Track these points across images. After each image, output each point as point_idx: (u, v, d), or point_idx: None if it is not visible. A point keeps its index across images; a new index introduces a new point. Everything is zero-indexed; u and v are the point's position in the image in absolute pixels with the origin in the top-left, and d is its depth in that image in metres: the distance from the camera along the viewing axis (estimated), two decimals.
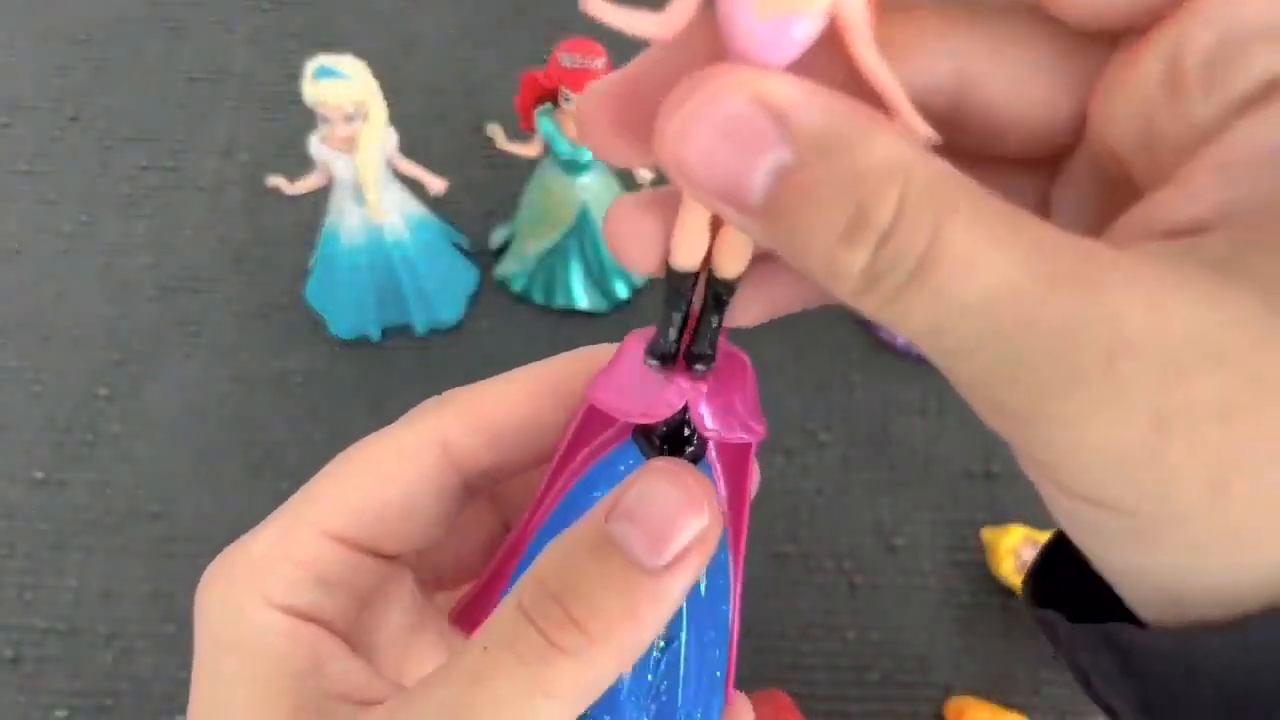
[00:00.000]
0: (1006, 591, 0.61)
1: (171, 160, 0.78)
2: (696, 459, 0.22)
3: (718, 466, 0.23)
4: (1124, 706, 0.18)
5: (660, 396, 0.21)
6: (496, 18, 0.85)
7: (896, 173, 0.15)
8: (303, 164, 0.64)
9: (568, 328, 0.71)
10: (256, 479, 0.65)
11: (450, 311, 0.71)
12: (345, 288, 0.68)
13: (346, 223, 0.65)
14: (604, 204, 0.68)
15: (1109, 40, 0.17)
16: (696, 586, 0.21)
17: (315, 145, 0.62)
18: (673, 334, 0.20)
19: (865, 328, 0.70)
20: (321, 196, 0.66)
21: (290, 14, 0.85)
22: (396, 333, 0.71)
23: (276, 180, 0.65)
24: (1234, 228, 0.15)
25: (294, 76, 0.60)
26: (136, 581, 0.62)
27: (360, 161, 0.62)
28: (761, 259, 0.19)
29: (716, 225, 0.18)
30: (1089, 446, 0.14)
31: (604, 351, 0.23)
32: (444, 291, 0.70)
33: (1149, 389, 0.14)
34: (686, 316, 0.20)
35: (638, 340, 0.21)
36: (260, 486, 0.65)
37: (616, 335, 0.22)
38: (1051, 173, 0.19)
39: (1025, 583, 0.20)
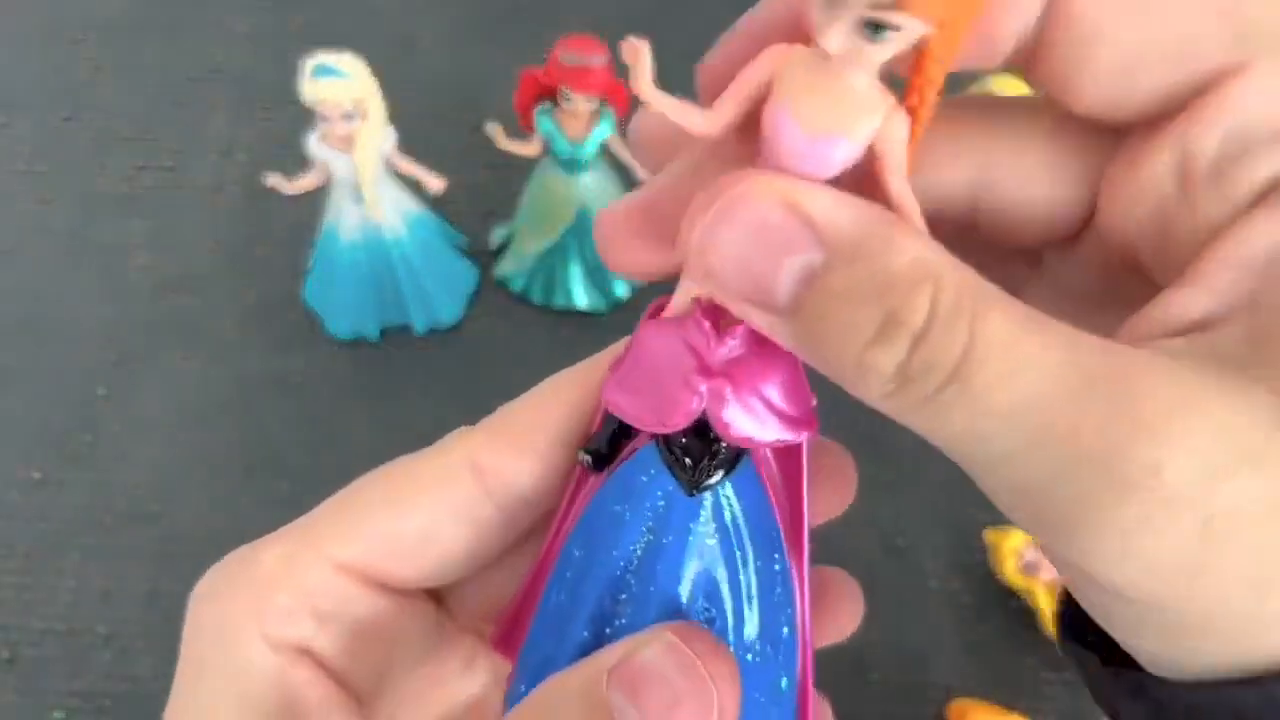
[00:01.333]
0: (1009, 592, 0.61)
1: (169, 160, 0.77)
2: (729, 466, 0.19)
3: (771, 462, 0.20)
4: None
5: (676, 402, 0.18)
6: (496, 16, 0.85)
7: (927, 276, 0.15)
8: (301, 163, 0.64)
9: (567, 328, 0.71)
10: (255, 479, 0.64)
11: (449, 311, 0.70)
12: (344, 287, 0.67)
13: (345, 222, 0.65)
14: (604, 203, 0.68)
15: (1114, 131, 0.17)
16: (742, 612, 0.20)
17: (313, 144, 0.62)
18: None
19: None
20: (320, 196, 0.65)
21: (289, 13, 0.85)
22: (395, 333, 0.70)
23: (274, 179, 0.65)
24: (1246, 323, 0.15)
25: (292, 75, 0.60)
26: (135, 582, 0.61)
27: (359, 160, 0.61)
28: None
29: None
30: (1137, 555, 0.14)
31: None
32: (443, 291, 0.70)
33: (1196, 497, 0.14)
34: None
35: (651, 328, 0.19)
36: (259, 486, 0.64)
37: (616, 335, 0.21)
38: (1037, 258, 0.20)
39: (1057, 616, 0.20)
